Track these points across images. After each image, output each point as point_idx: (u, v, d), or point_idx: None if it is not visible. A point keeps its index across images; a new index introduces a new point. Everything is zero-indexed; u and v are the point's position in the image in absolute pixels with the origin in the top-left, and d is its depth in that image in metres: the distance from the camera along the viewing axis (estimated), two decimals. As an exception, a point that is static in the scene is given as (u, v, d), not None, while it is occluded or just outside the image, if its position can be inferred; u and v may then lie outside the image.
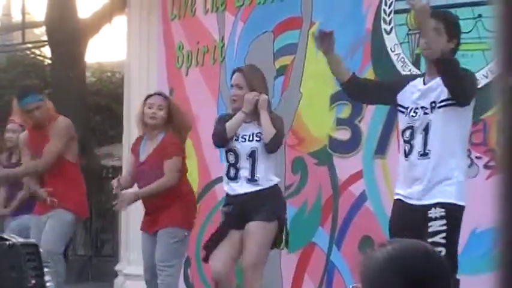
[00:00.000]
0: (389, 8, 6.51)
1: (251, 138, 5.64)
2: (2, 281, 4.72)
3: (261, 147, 5.60)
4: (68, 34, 10.80)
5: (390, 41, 6.49)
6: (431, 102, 4.62)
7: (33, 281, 4.78)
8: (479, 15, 5.95)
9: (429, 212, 4.50)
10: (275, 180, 5.69)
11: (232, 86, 5.78)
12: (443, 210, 4.48)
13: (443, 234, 4.42)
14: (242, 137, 5.66)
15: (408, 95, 4.78)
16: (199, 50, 7.93)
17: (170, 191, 6.02)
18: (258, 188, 5.60)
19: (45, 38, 13.22)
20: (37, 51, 15.36)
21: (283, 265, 7.07)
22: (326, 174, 6.82)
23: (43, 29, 13.53)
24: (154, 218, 6.09)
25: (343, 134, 6.74)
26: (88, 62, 12.14)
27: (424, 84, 4.72)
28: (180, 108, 6.43)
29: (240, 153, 5.64)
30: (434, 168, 4.56)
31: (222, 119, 5.81)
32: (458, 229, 4.54)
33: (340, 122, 6.76)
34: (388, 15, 6.51)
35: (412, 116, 4.73)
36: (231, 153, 5.68)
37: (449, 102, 4.57)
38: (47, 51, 14.07)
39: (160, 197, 6.02)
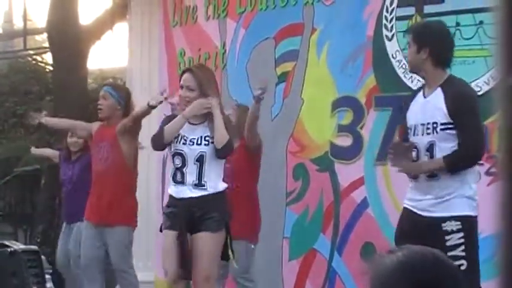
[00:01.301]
0: (390, 14, 6.52)
1: (199, 142, 5.38)
2: (4, 287, 4.72)
3: (210, 151, 5.35)
4: (69, 40, 10.80)
5: (391, 47, 6.50)
6: (433, 123, 4.54)
7: (34, 287, 4.79)
8: (481, 22, 5.95)
9: (443, 225, 4.45)
10: (223, 186, 5.43)
11: (182, 86, 5.48)
12: (459, 223, 4.43)
13: (463, 247, 4.39)
14: (190, 141, 5.38)
15: (410, 114, 4.73)
16: (201, 56, 7.93)
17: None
18: (205, 193, 5.34)
19: (46, 44, 13.22)
20: (39, 58, 15.37)
21: (285, 272, 7.07)
22: (327, 181, 6.82)
23: (45, 35, 13.53)
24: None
25: (345, 141, 6.74)
26: (90, 69, 12.14)
27: (425, 97, 4.66)
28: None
29: (188, 157, 5.36)
30: (445, 186, 4.50)
31: (167, 120, 5.55)
32: (476, 240, 4.50)
33: (341, 129, 6.76)
34: (390, 22, 6.52)
35: (416, 135, 4.68)
36: (178, 156, 5.40)
37: (450, 126, 4.49)
38: (48, 57, 14.07)
39: None
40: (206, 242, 5.31)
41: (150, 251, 8.37)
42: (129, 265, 6.74)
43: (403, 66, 6.40)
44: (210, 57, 7.84)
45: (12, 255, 4.82)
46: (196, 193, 5.32)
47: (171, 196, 5.49)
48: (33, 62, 14.97)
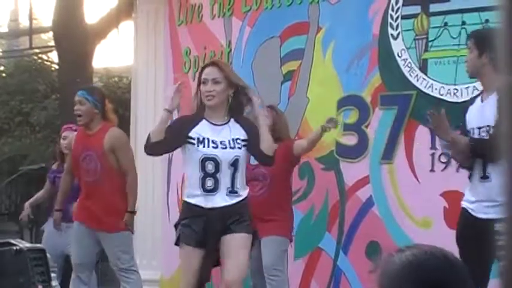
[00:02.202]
0: (396, 13, 6.51)
1: (233, 145, 5.04)
2: (10, 286, 4.73)
3: (243, 155, 5.07)
4: (75, 39, 10.81)
5: (397, 46, 6.49)
6: (487, 126, 4.63)
7: (40, 286, 4.79)
8: (487, 21, 5.94)
9: (497, 225, 4.48)
10: (247, 190, 5.21)
11: (204, 81, 5.11)
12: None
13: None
14: (221, 143, 5.03)
15: (469, 118, 4.80)
16: (206, 55, 7.93)
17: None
18: (238, 200, 5.05)
19: (52, 43, 13.24)
20: (44, 57, 15.38)
21: (290, 270, 7.06)
22: (333, 180, 6.82)
23: (50, 34, 13.56)
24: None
25: (350, 140, 6.74)
26: (95, 67, 12.14)
27: (482, 101, 4.75)
28: None
29: (222, 162, 5.01)
30: (497, 188, 4.53)
31: (179, 121, 5.27)
32: None
33: (347, 128, 6.76)
34: (395, 21, 6.51)
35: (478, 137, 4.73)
36: (210, 161, 5.02)
37: None
38: (54, 56, 14.09)
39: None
40: (242, 244, 5.03)
41: (155, 249, 8.38)
42: (131, 264, 6.76)
43: (409, 64, 6.40)
44: (216, 55, 7.84)
45: (18, 253, 4.83)
46: (230, 201, 5.03)
47: (194, 206, 5.06)
48: (39, 60, 14.98)
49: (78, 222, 6.72)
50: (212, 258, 5.07)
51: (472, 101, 5.05)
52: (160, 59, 8.56)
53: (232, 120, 5.10)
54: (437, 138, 5.09)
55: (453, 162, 6.10)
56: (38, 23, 18.64)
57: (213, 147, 5.02)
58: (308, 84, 7.09)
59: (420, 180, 6.30)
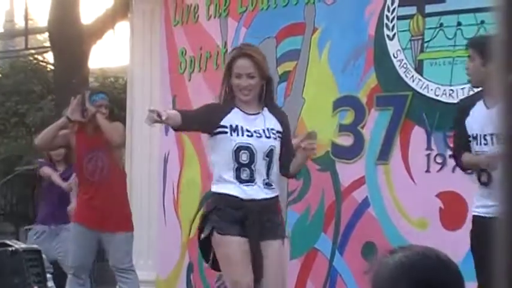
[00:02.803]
0: (391, 14, 6.51)
1: (268, 134, 4.85)
2: (5, 287, 4.72)
3: (277, 146, 4.86)
4: (70, 40, 10.80)
5: (393, 46, 6.49)
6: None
7: (36, 287, 4.79)
8: (482, 22, 5.95)
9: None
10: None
11: (239, 75, 4.87)
12: None
13: None
14: (256, 132, 4.82)
15: (473, 123, 4.71)
16: (202, 55, 7.93)
17: None
18: (273, 195, 4.87)
19: (48, 43, 13.23)
20: (40, 57, 15.37)
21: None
22: (329, 180, 6.82)
23: (46, 34, 13.54)
24: None
25: (346, 140, 6.74)
26: (91, 68, 12.14)
27: (488, 107, 4.67)
28: None
29: (257, 152, 4.80)
30: None
31: (205, 108, 4.97)
32: None
33: (342, 128, 6.76)
34: (391, 21, 6.52)
35: (484, 144, 4.67)
36: (245, 151, 4.80)
37: None
38: (49, 57, 14.08)
39: None
40: (280, 253, 4.85)
41: (150, 250, 8.38)
42: (130, 264, 6.80)
43: (404, 65, 6.40)
44: (211, 56, 7.84)
45: (14, 254, 4.82)
46: (268, 194, 4.82)
47: (231, 196, 4.80)
48: (35, 61, 14.97)
49: (78, 223, 6.75)
50: (259, 253, 4.75)
51: (469, 102, 4.99)
52: (156, 60, 8.56)
53: (265, 109, 4.94)
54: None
55: (448, 163, 6.11)
56: (34, 23, 18.61)
57: (248, 135, 4.82)
58: (304, 85, 7.10)
59: (416, 181, 6.30)
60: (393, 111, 6.42)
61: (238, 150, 4.80)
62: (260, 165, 4.80)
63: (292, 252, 7.02)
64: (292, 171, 5.10)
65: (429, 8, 6.30)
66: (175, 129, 5.16)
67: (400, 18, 6.47)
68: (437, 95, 6.21)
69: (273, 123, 4.91)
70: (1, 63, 15.76)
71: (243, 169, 4.81)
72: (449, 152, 6.10)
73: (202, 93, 7.81)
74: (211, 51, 7.85)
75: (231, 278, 4.80)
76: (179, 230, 7.96)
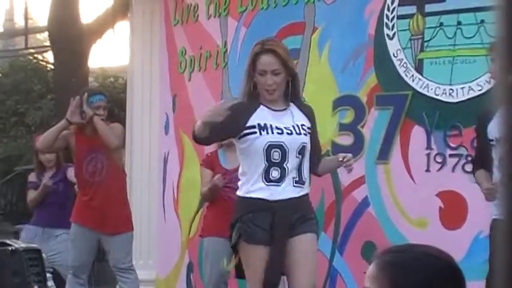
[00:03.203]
0: (391, 13, 6.51)
1: (299, 131, 4.66)
2: (5, 286, 4.71)
3: (308, 142, 4.69)
4: (70, 39, 10.81)
5: (393, 46, 6.49)
6: None
7: (36, 286, 4.78)
8: (482, 21, 5.95)
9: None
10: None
11: (263, 72, 4.67)
12: None
13: None
14: (287, 129, 4.63)
15: (494, 127, 4.73)
16: (202, 55, 7.93)
17: None
18: (304, 193, 4.67)
19: (47, 43, 13.23)
20: (40, 57, 15.39)
21: (286, 270, 7.06)
22: (329, 180, 6.81)
23: (46, 34, 13.54)
24: None
25: (346, 140, 6.73)
26: (91, 67, 12.15)
27: None
28: None
29: (289, 149, 4.60)
30: None
31: (234, 108, 4.57)
32: None
33: (342, 128, 6.76)
34: (391, 21, 6.51)
35: None
36: (276, 149, 4.59)
37: None
38: (49, 56, 14.10)
39: None
40: (312, 247, 4.65)
41: (150, 249, 8.38)
42: (130, 264, 6.82)
43: (404, 65, 6.40)
44: (211, 55, 7.84)
45: (13, 254, 4.82)
46: (298, 192, 4.60)
47: (256, 199, 4.60)
48: (34, 60, 14.98)
49: (77, 223, 6.76)
50: (282, 257, 4.57)
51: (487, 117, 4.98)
52: (155, 59, 8.56)
53: (292, 105, 4.75)
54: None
55: (448, 162, 6.11)
56: (34, 22, 18.63)
57: (278, 133, 4.61)
58: (304, 84, 7.09)
59: (416, 180, 6.30)
60: (393, 111, 6.42)
61: (269, 148, 4.60)
62: (292, 163, 4.60)
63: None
64: (321, 172, 5.04)
65: (429, 8, 6.30)
66: (204, 142, 4.91)
67: (400, 17, 6.47)
68: (437, 95, 6.21)
69: (302, 119, 4.74)
70: (1, 63, 15.77)
71: (274, 168, 4.60)
72: (449, 152, 6.11)
73: (202, 92, 7.81)
74: (211, 51, 7.85)
75: (254, 283, 4.66)
76: (179, 230, 7.96)
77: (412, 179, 6.32)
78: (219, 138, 5.10)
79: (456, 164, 6.05)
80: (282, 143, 4.60)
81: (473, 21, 6.03)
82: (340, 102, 6.77)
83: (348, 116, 6.74)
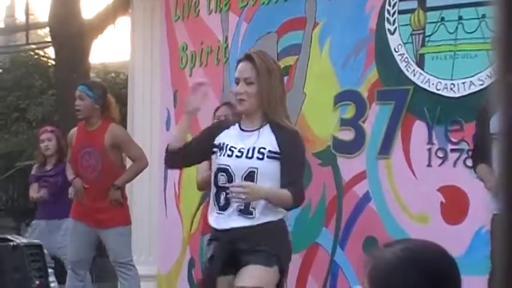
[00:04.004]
0: (393, 8, 6.50)
1: (250, 155, 4.18)
2: (6, 282, 4.71)
3: (263, 167, 4.18)
4: (71, 35, 10.80)
5: (394, 41, 6.48)
6: None
7: (37, 282, 4.78)
8: (483, 16, 5.94)
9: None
10: (280, 213, 4.29)
11: (237, 80, 4.37)
12: None
13: None
14: (239, 151, 4.21)
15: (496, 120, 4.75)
16: (203, 50, 7.93)
17: None
18: (255, 223, 4.16)
19: (49, 39, 13.22)
20: (41, 52, 15.36)
21: (287, 266, 7.07)
22: (330, 175, 6.82)
23: (47, 30, 13.53)
24: None
25: (347, 135, 6.73)
26: (92, 63, 12.13)
27: None
28: None
29: (234, 174, 4.19)
30: None
31: (210, 128, 4.38)
32: None
33: (344, 123, 6.76)
34: (392, 16, 6.51)
35: None
36: (222, 173, 4.24)
37: None
38: (50, 52, 14.08)
39: None
40: (254, 275, 4.15)
41: (151, 245, 8.38)
42: (129, 258, 6.81)
43: (405, 59, 6.40)
44: (212, 51, 7.84)
45: (15, 249, 4.81)
46: (243, 222, 4.16)
47: (211, 227, 4.37)
48: (36, 56, 14.96)
49: (74, 219, 6.76)
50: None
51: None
52: (156, 55, 8.56)
53: (267, 126, 4.28)
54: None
55: (450, 157, 6.11)
56: (35, 18, 18.61)
57: (228, 155, 4.23)
58: (305, 80, 7.09)
59: (417, 175, 6.30)
60: (394, 106, 6.42)
61: (218, 171, 4.26)
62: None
63: (293, 247, 7.00)
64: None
65: (430, 2, 6.29)
66: (175, 159, 4.47)
67: (401, 12, 6.46)
68: (438, 89, 6.21)
69: (267, 142, 4.22)
70: (2, 58, 15.76)
71: (221, 193, 4.24)
72: (451, 146, 6.11)
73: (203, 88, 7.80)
74: (212, 46, 7.84)
75: None
76: (180, 225, 7.96)
77: (414, 174, 6.31)
78: (190, 161, 4.64)
79: (457, 159, 6.05)
80: (227, 167, 4.23)
81: (474, 15, 6.02)
82: (341, 98, 6.77)
83: (349, 111, 6.74)
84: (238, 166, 4.18)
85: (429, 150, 6.24)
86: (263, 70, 4.22)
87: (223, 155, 4.24)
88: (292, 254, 6.99)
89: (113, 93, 12.82)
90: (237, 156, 4.19)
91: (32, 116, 12.89)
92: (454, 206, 6.05)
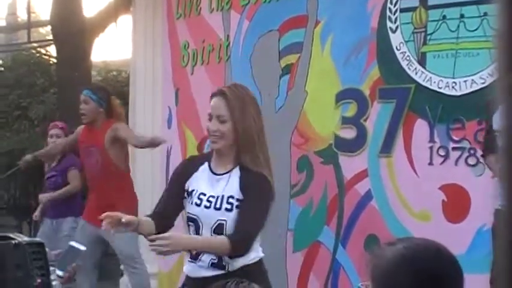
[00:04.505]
0: (394, 6, 6.50)
1: (219, 205, 3.81)
2: (8, 280, 4.72)
3: (232, 220, 3.81)
4: (73, 33, 10.80)
5: (395, 39, 6.48)
6: None
7: (38, 280, 4.78)
8: (485, 14, 5.94)
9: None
10: (255, 256, 3.91)
11: (210, 116, 3.97)
12: None
13: None
14: (207, 201, 3.84)
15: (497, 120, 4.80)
16: (205, 48, 7.93)
17: None
18: (225, 272, 3.83)
19: (50, 37, 13.22)
20: (42, 50, 15.37)
21: (289, 264, 7.07)
22: (331, 173, 6.82)
23: (48, 28, 13.53)
24: None
25: (349, 133, 6.73)
26: (94, 61, 12.14)
27: None
28: None
29: (203, 225, 3.87)
30: None
31: (180, 175, 4.00)
32: None
33: (345, 121, 6.76)
34: (394, 14, 6.50)
35: None
36: (192, 223, 3.94)
37: None
38: (52, 50, 14.08)
39: None
40: None
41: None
42: (138, 256, 6.83)
43: (407, 58, 6.39)
44: (214, 49, 7.84)
45: (17, 247, 4.81)
46: (213, 272, 3.86)
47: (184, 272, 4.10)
48: (37, 54, 14.97)
49: (84, 220, 6.85)
50: None
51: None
52: (158, 53, 8.57)
53: (237, 169, 3.90)
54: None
55: (451, 155, 6.11)
56: (36, 16, 18.62)
57: (197, 204, 3.89)
58: (306, 78, 7.09)
59: (419, 174, 6.30)
60: (396, 104, 6.42)
61: (187, 220, 3.99)
62: None
63: (295, 245, 7.03)
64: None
65: (432, 0, 6.29)
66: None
67: (402, 10, 6.46)
68: (440, 88, 6.20)
69: (235, 189, 3.84)
70: (3, 57, 15.77)
71: None
72: (452, 145, 6.10)
73: (204, 86, 7.81)
74: (213, 44, 7.84)
75: None
76: (182, 223, 7.96)
77: (415, 172, 6.31)
78: (171, 214, 4.15)
79: (459, 157, 6.05)
80: (196, 217, 3.92)
81: (476, 14, 6.01)
82: (342, 96, 6.77)
83: (351, 109, 6.74)
84: (207, 218, 3.85)
85: (431, 148, 6.24)
86: (237, 107, 3.87)
87: (192, 203, 3.92)
88: (294, 252, 7.02)
89: (114, 92, 12.82)
90: (205, 206, 3.85)
91: (33, 114, 12.89)
92: (456, 204, 6.05)
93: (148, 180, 8.44)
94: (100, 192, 6.69)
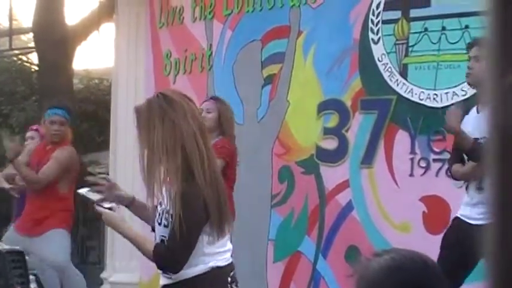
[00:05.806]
0: (376, 18, 6.53)
1: (160, 220, 3.76)
2: (-13, 288, 4.69)
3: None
4: (55, 41, 10.77)
5: (377, 51, 6.51)
6: (484, 137, 4.60)
7: (18, 288, 4.77)
8: (466, 26, 5.98)
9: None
10: (203, 267, 3.70)
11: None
12: None
13: None
14: (159, 214, 3.82)
15: (465, 126, 4.81)
16: (187, 57, 7.93)
17: None
18: (169, 282, 3.80)
19: (32, 44, 13.18)
20: (24, 58, 15.30)
21: (269, 274, 7.07)
22: (313, 183, 6.83)
23: (30, 35, 13.50)
24: None
25: (330, 143, 6.75)
26: (75, 69, 12.10)
27: (478, 112, 4.79)
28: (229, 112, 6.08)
29: (156, 238, 3.86)
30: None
31: None
32: None
33: (327, 131, 6.77)
34: (376, 25, 6.54)
35: None
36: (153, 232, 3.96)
37: None
38: (34, 57, 14.02)
39: None
40: None
41: (133, 251, 8.33)
42: (68, 262, 6.73)
43: (389, 69, 6.42)
44: (197, 58, 7.84)
45: (-4, 255, 4.80)
46: (163, 281, 3.83)
47: None
48: (19, 61, 14.90)
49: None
50: None
51: (464, 108, 5.06)
52: (141, 61, 8.55)
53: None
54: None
55: (432, 167, 6.14)
56: (18, 23, 18.55)
57: (156, 219, 3.86)
58: (289, 88, 7.10)
59: (399, 185, 6.32)
60: (377, 115, 6.44)
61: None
62: None
63: (276, 255, 7.03)
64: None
65: (414, 13, 6.33)
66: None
67: (385, 22, 6.49)
68: (421, 99, 6.23)
69: (169, 203, 3.74)
70: (-15, 64, 15.68)
71: None
72: (433, 156, 6.13)
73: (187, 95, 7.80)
74: (196, 54, 7.85)
75: None
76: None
77: (396, 184, 6.34)
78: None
79: (440, 169, 6.07)
80: (154, 233, 3.91)
81: (457, 26, 6.05)
82: (324, 106, 6.79)
83: (333, 120, 6.75)
84: (156, 234, 3.83)
85: (412, 159, 6.27)
86: (143, 125, 3.72)
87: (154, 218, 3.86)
88: (275, 262, 7.02)
89: (96, 100, 12.81)
90: (158, 222, 3.80)
91: (14, 122, 12.82)
92: (436, 215, 6.08)
93: (129, 189, 8.41)
94: (32, 204, 6.65)
